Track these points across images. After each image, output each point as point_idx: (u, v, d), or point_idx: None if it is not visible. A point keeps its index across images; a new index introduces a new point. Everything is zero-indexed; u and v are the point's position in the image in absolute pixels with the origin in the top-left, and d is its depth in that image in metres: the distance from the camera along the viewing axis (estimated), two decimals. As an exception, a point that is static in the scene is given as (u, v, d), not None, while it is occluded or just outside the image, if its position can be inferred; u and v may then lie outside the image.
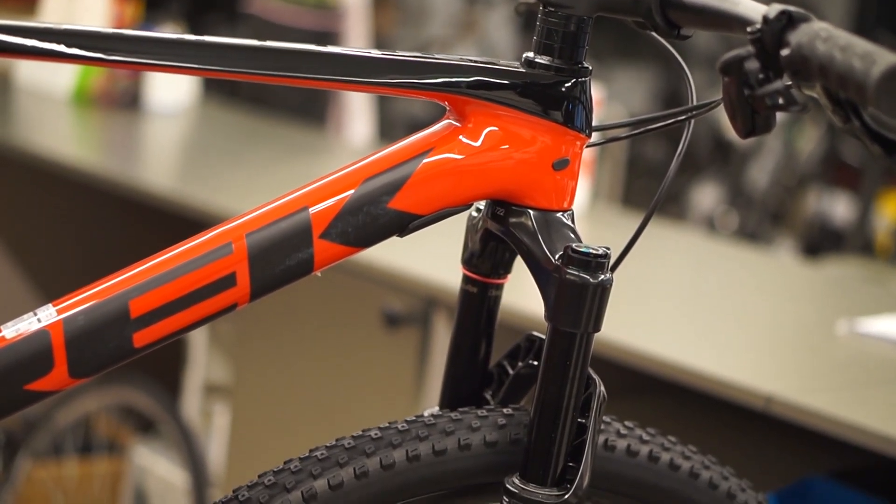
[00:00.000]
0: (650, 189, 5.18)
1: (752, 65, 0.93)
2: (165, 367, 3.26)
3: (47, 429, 3.01)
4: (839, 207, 5.04)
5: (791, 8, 0.92)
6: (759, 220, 5.13)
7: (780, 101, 0.93)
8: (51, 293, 1.01)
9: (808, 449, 2.01)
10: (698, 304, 2.26)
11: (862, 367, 1.92)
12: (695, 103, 1.11)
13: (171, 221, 2.62)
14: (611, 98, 3.96)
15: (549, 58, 1.07)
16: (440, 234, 1.88)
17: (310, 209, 1.04)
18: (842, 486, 1.87)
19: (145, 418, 3.03)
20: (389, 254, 2.20)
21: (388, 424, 1.09)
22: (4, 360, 1.00)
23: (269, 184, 2.71)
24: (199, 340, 3.08)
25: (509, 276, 1.15)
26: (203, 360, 3.08)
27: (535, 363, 1.13)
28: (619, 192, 4.95)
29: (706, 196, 5.38)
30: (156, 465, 3.02)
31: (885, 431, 1.61)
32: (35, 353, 1.00)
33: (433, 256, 2.24)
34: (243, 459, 2.48)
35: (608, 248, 1.05)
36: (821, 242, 4.97)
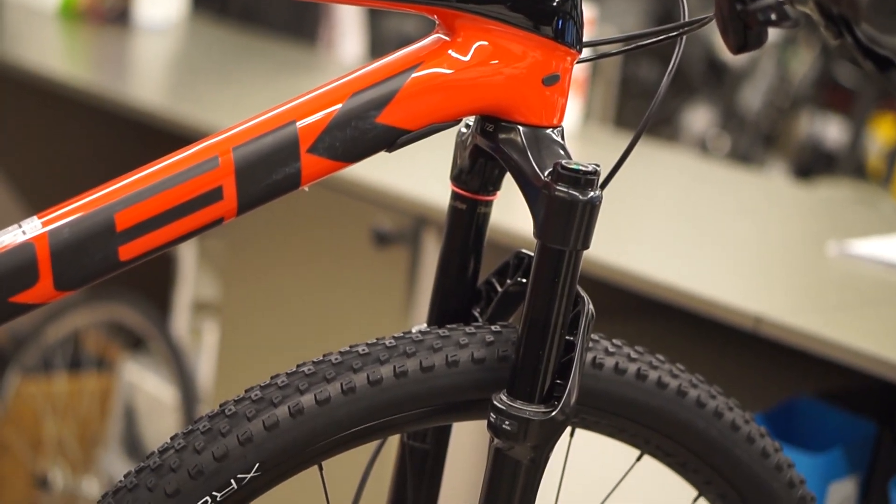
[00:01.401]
0: (643, 111, 5.15)
1: (745, -20, 0.92)
2: (155, 285, 3.26)
3: (37, 344, 3.01)
4: (832, 130, 5.03)
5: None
6: (752, 142, 5.12)
7: (772, 16, 0.92)
8: (37, 207, 1.01)
9: (796, 369, 2.01)
10: (689, 225, 2.25)
11: (851, 288, 1.92)
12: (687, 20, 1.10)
13: (159, 138, 2.60)
14: (603, 20, 3.93)
15: (539, -29, 1.06)
16: (430, 152, 1.88)
17: (297, 123, 1.04)
18: (828, 406, 1.88)
19: (135, 335, 3.04)
20: (379, 172, 2.19)
21: (375, 340, 1.08)
22: None
23: (259, 101, 2.69)
24: (188, 258, 3.07)
25: (498, 194, 1.14)
26: (192, 278, 3.08)
27: (524, 281, 1.12)
28: (612, 114, 4.93)
29: (699, 118, 5.36)
30: (145, 381, 3.03)
31: (872, 352, 1.61)
32: (20, 266, 1.00)
33: (423, 175, 2.23)
34: (232, 376, 2.48)
35: (598, 165, 1.04)
36: (813, 165, 4.96)
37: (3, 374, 3.00)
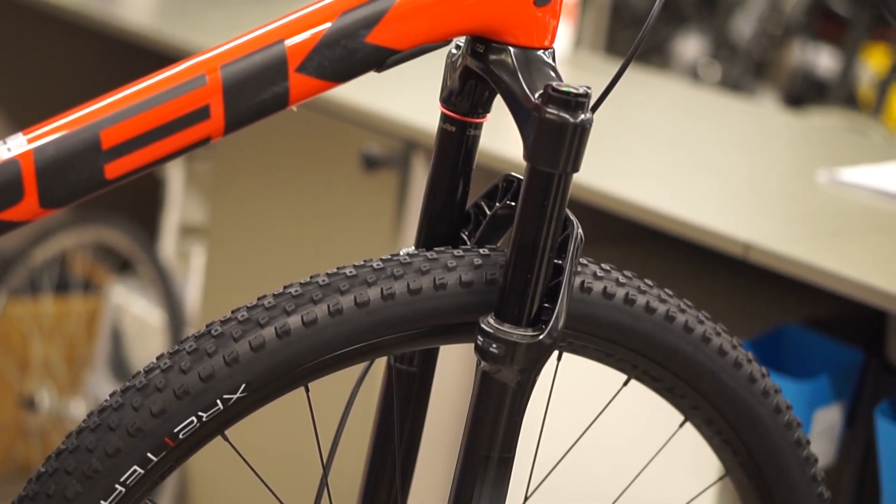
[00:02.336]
0: (634, 39, 5.13)
1: None
2: (142, 208, 3.25)
3: (24, 266, 3.00)
4: (823, 59, 5.01)
5: None
6: (743, 71, 5.09)
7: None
8: (23, 126, 1.00)
9: (784, 297, 2.01)
10: (679, 152, 2.24)
11: (841, 216, 1.91)
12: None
13: (148, 59, 2.58)
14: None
15: None
16: (421, 76, 1.87)
17: (286, 42, 1.02)
18: (816, 334, 1.88)
19: (122, 258, 3.03)
20: (369, 95, 2.18)
21: (363, 262, 1.08)
22: None
23: (249, 21, 2.66)
24: (175, 181, 3.06)
25: (488, 116, 1.13)
26: (179, 201, 3.06)
27: (513, 204, 1.12)
28: (603, 41, 4.90)
29: (690, 46, 5.33)
30: (132, 304, 3.03)
31: (860, 279, 1.61)
32: (4, 183, 0.99)
33: (413, 98, 2.22)
34: (219, 299, 2.48)
35: (589, 88, 1.03)
36: (804, 93, 4.94)
37: (-10, 296, 2.99)
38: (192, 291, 2.93)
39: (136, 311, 3.02)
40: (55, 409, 3.08)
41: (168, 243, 3.07)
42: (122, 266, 3.13)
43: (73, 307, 3.22)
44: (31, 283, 3.14)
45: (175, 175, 3.06)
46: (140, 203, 3.25)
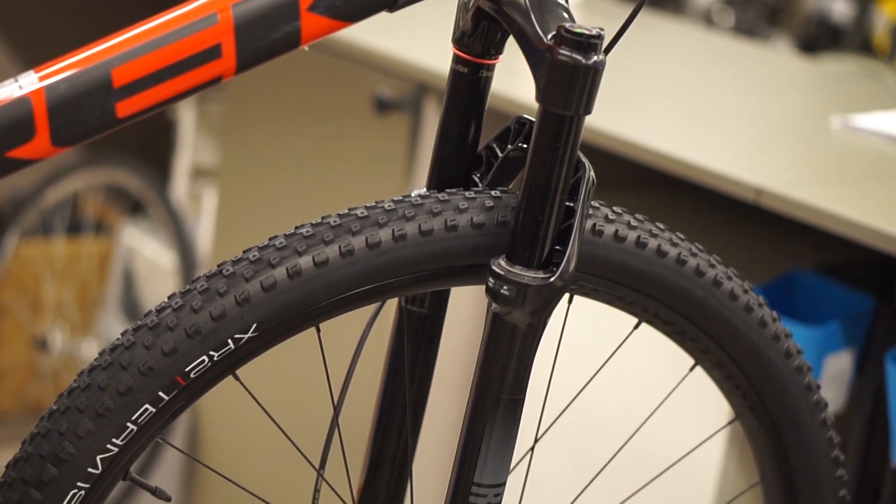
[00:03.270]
0: (648, -18, 5.09)
1: None
2: (154, 150, 3.25)
3: (36, 207, 3.01)
4: (838, 4, 4.97)
5: None
6: (757, 16, 5.06)
7: None
8: (35, 64, 1.00)
9: (796, 243, 2.01)
10: (693, 97, 2.24)
11: (854, 162, 1.91)
12: None
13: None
14: None
15: None
16: (433, 18, 1.86)
17: (298, -19, 1.02)
18: (827, 280, 1.88)
19: (134, 199, 3.03)
20: (382, 38, 2.17)
21: (374, 204, 1.07)
22: None
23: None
24: (187, 123, 3.06)
25: (500, 58, 1.13)
26: (191, 143, 3.06)
27: (525, 146, 1.11)
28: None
29: (704, -9, 5.30)
30: (144, 245, 3.03)
31: (872, 225, 1.60)
32: (16, 120, 0.99)
33: (426, 41, 2.21)
34: (230, 241, 2.48)
35: (602, 30, 1.02)
36: (818, 39, 4.91)
37: (2, 236, 3.00)
38: (204, 233, 2.93)
39: (147, 253, 3.02)
40: (67, 350, 3.09)
41: (180, 185, 3.07)
42: (134, 208, 3.13)
43: (85, 249, 3.23)
44: (44, 224, 3.15)
45: (187, 117, 3.06)
46: (152, 145, 3.25)
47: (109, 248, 3.22)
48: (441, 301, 1.19)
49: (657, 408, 1.36)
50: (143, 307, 3.00)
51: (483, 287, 1.06)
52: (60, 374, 3.12)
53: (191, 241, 2.78)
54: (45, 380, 3.17)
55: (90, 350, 3.04)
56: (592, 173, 1.07)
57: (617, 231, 1.11)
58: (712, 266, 1.15)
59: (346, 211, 1.07)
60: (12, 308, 3.19)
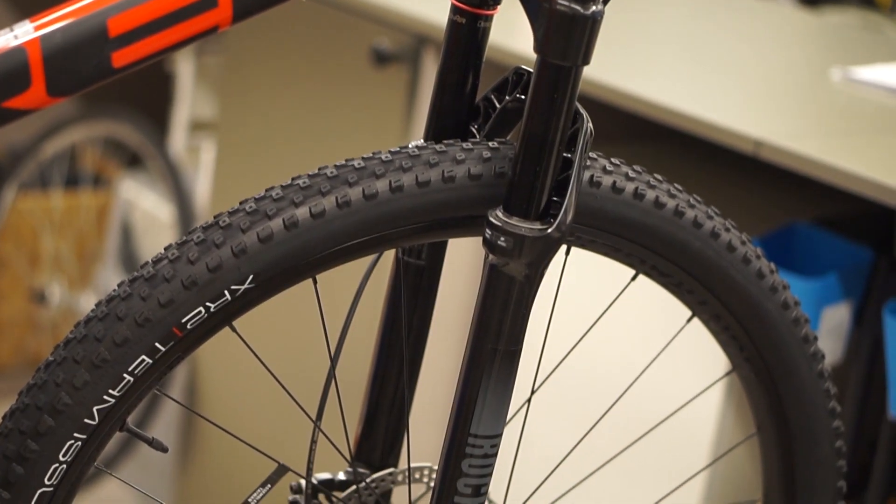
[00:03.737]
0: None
1: None
2: (153, 104, 3.24)
3: (34, 160, 3.00)
4: (840, -43, 4.95)
5: None
6: (758, -31, 5.04)
7: None
8: (30, 13, 0.99)
9: (795, 195, 2.01)
10: (692, 49, 2.23)
11: (854, 114, 1.90)
12: None
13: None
14: None
15: None
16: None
17: (294, -71, 1.01)
18: (826, 232, 1.88)
19: (132, 153, 3.03)
20: (379, -11, 2.16)
21: (371, 155, 1.07)
22: None
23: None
24: (185, 76, 3.05)
25: (499, 9, 1.12)
26: (189, 96, 3.05)
27: (523, 97, 1.11)
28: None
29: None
30: (142, 198, 3.03)
31: (871, 177, 1.60)
32: (11, 70, 0.98)
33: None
34: (228, 194, 2.48)
35: (601, -21, 1.01)
36: (819, -8, 4.89)
37: (0, 189, 2.99)
38: (202, 186, 2.93)
39: (146, 206, 3.02)
40: (65, 303, 3.09)
41: (178, 138, 3.06)
42: (132, 161, 3.13)
43: (83, 201, 3.22)
44: (42, 177, 3.14)
45: (185, 70, 3.05)
46: (150, 98, 3.24)
47: (108, 201, 3.22)
48: (438, 252, 1.19)
49: (654, 359, 1.36)
50: (141, 260, 2.99)
51: (480, 238, 1.05)
52: (59, 326, 3.12)
53: (189, 193, 2.77)
54: (44, 332, 3.17)
55: (88, 303, 3.04)
56: (590, 124, 1.06)
57: (615, 182, 1.11)
58: (710, 218, 1.15)
59: (344, 162, 1.07)
60: (10, 261, 3.19)
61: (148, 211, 3.01)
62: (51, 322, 3.14)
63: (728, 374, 1.29)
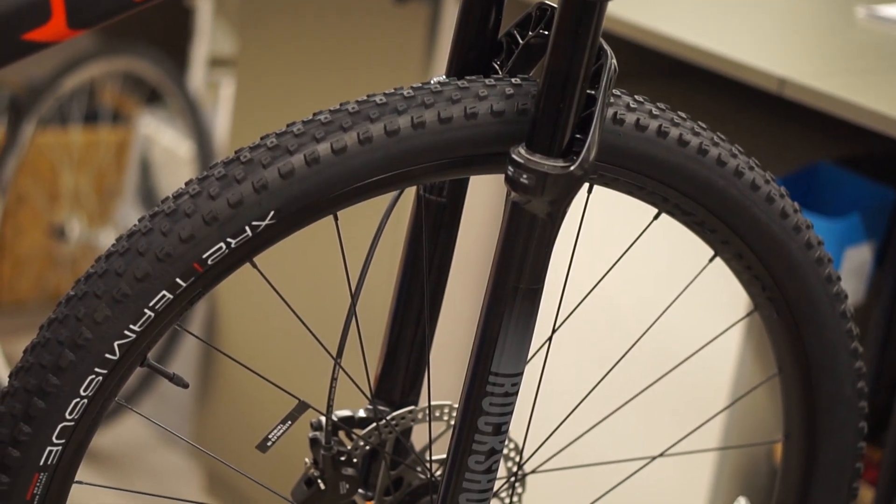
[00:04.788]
0: None
1: None
2: (172, 39, 3.23)
3: (53, 95, 2.99)
4: None
5: None
6: None
7: None
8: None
9: (819, 134, 1.99)
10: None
11: (879, 53, 1.88)
12: None
13: None
14: None
15: None
16: None
17: None
18: (849, 173, 1.87)
19: (151, 88, 3.02)
20: (400, -76, 2.14)
21: (393, 91, 1.06)
22: (2, 8, 0.97)
23: None
24: (205, 12, 3.03)
25: (523, -57, 1.11)
26: (208, 32, 3.04)
27: (546, 33, 1.09)
28: None
29: None
30: (161, 134, 3.02)
31: (895, 115, 1.59)
32: (32, 2, 0.98)
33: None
34: (247, 130, 2.47)
35: (627, -87, 1.00)
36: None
37: (19, 124, 2.99)
38: (221, 122, 2.92)
39: (165, 142, 3.02)
40: (84, 239, 3.10)
41: (197, 74, 3.05)
42: (151, 97, 3.12)
43: (102, 137, 3.22)
44: (61, 112, 3.14)
45: (204, 5, 3.03)
46: (169, 34, 3.23)
47: (127, 137, 3.21)
48: (460, 190, 1.18)
49: (676, 298, 1.36)
50: (160, 196, 3.00)
51: (502, 176, 1.05)
52: (78, 262, 3.13)
53: (208, 130, 2.77)
54: (63, 268, 3.18)
55: (108, 239, 3.05)
56: (614, 61, 1.05)
57: (638, 120, 1.10)
58: (734, 156, 1.14)
59: (365, 98, 1.06)
60: (30, 196, 3.19)
61: (167, 147, 3.01)
62: (70, 257, 3.15)
63: (750, 314, 1.28)
